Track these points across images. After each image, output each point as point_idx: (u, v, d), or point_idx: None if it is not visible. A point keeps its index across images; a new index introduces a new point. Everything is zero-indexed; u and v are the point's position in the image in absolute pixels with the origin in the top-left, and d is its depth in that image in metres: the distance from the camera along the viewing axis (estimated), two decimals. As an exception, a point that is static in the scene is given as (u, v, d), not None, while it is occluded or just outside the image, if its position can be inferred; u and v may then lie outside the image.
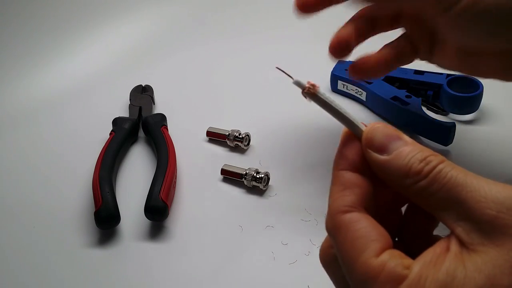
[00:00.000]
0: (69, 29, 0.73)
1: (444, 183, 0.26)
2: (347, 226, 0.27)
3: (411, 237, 0.31)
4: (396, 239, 0.31)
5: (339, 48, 0.43)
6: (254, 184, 0.51)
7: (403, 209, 0.32)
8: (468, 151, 0.54)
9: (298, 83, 0.29)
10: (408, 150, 0.27)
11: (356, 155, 0.29)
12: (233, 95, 0.64)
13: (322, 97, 0.29)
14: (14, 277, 0.45)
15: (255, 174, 0.51)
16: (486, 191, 0.25)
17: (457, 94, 0.54)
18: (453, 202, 0.25)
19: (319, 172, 0.51)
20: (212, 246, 0.47)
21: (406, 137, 0.28)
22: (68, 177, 0.53)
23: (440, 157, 0.27)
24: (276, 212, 0.49)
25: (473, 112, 0.57)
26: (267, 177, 0.51)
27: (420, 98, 0.55)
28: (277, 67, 0.32)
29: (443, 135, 0.53)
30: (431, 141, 0.54)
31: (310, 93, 0.29)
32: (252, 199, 0.51)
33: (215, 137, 0.57)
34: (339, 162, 0.29)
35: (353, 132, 0.30)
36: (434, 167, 0.26)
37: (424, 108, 0.55)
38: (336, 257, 0.28)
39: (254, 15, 0.77)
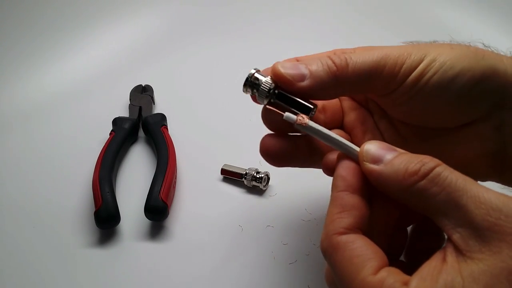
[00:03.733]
0: (69, 29, 0.73)
1: (444, 186, 0.26)
2: (344, 245, 0.27)
3: (418, 255, 0.31)
4: (403, 258, 0.32)
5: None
6: (254, 184, 0.51)
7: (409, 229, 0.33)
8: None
9: (288, 118, 0.32)
10: (403, 157, 0.28)
11: (353, 176, 0.30)
12: (233, 94, 0.64)
13: (312, 126, 0.31)
14: (14, 277, 0.45)
15: (255, 174, 0.51)
16: (485, 197, 0.25)
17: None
18: (453, 207, 0.25)
19: (319, 172, 0.51)
20: (212, 246, 0.47)
21: (400, 150, 0.29)
22: (68, 177, 0.53)
23: (436, 160, 0.27)
24: (276, 212, 0.49)
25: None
26: (267, 177, 0.51)
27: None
28: (268, 106, 0.33)
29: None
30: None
31: (301, 124, 0.31)
32: (252, 199, 0.51)
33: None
34: (338, 184, 0.30)
35: (347, 154, 0.31)
36: (432, 169, 0.26)
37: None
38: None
39: (255, 14, 0.77)
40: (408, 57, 0.33)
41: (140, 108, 0.59)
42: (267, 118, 0.36)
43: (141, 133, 0.58)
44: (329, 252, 0.28)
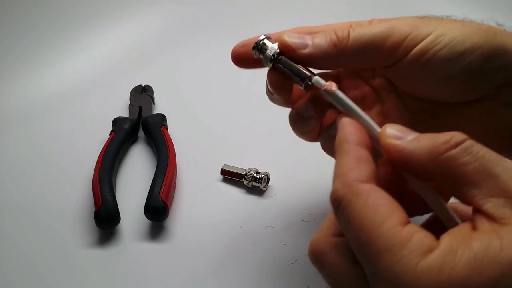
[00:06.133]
0: (69, 29, 0.73)
1: (478, 156, 0.25)
2: (367, 193, 0.25)
3: None
4: None
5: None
6: (254, 184, 0.51)
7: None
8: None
9: (317, 82, 0.33)
10: (429, 134, 0.27)
11: (362, 133, 0.29)
12: (233, 94, 0.64)
13: (338, 95, 0.31)
14: (14, 277, 0.45)
15: (255, 174, 0.51)
16: None
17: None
18: (487, 176, 0.25)
19: (319, 172, 0.51)
20: (212, 246, 0.47)
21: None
22: (68, 177, 0.53)
23: (464, 134, 0.26)
24: (276, 212, 0.49)
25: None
26: (267, 177, 0.51)
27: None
28: (309, 69, 0.34)
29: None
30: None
31: (328, 91, 0.32)
32: (252, 199, 0.51)
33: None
34: (349, 138, 0.29)
35: (368, 129, 0.30)
36: (464, 140, 0.26)
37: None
38: (335, 246, 0.28)
39: (255, 14, 0.77)
40: (414, 29, 0.33)
41: (140, 108, 0.59)
42: (271, 79, 0.36)
43: (141, 133, 0.58)
44: (347, 199, 0.26)
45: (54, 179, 0.53)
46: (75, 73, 0.67)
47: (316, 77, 0.33)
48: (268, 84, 0.37)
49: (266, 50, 0.35)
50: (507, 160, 0.25)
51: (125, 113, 0.59)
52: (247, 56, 0.37)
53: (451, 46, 0.32)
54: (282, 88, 0.36)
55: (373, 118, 0.34)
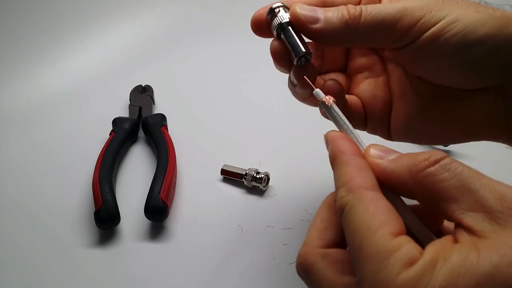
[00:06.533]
0: (69, 29, 0.73)
1: (456, 172, 0.26)
2: (369, 200, 0.26)
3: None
4: None
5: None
6: (254, 184, 0.51)
7: None
8: (468, 151, 0.54)
9: (317, 94, 0.33)
10: (408, 153, 0.28)
11: (355, 144, 0.30)
12: (233, 94, 0.64)
13: (334, 110, 0.32)
14: (14, 277, 0.45)
15: (255, 174, 0.51)
16: (499, 186, 0.25)
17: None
18: (465, 191, 0.25)
19: (319, 173, 0.51)
20: (212, 246, 0.47)
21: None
22: (68, 177, 0.53)
23: (442, 153, 0.27)
24: (276, 212, 0.49)
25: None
26: (267, 177, 0.51)
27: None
28: (304, 76, 0.35)
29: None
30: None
31: (324, 103, 0.32)
32: (252, 199, 0.51)
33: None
34: (345, 149, 0.29)
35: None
36: (442, 157, 0.26)
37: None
38: (322, 257, 0.28)
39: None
40: (427, 12, 0.32)
41: (140, 108, 0.59)
42: (271, 47, 0.36)
43: (141, 133, 0.58)
44: (351, 204, 0.26)
45: (54, 179, 0.53)
46: (75, 73, 0.67)
47: (317, 90, 0.33)
48: (271, 54, 0.36)
49: (276, 16, 0.35)
50: (485, 176, 0.26)
51: (125, 113, 0.59)
52: (263, 23, 0.36)
53: (463, 35, 0.32)
54: (280, 59, 0.36)
55: (379, 87, 0.36)
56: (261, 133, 0.58)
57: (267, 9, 0.36)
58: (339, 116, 0.32)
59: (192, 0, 0.80)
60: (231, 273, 0.44)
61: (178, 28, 0.75)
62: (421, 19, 0.32)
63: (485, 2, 0.35)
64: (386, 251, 0.24)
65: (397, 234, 0.25)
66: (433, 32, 0.32)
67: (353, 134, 0.32)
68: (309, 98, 0.37)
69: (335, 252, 0.28)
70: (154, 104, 0.62)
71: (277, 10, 0.35)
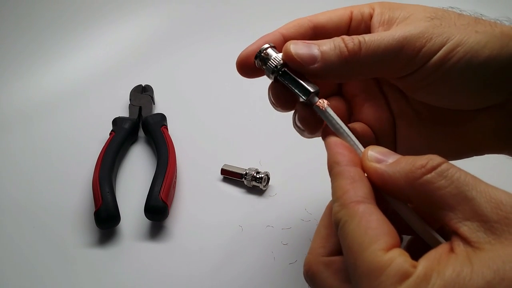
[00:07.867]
0: (69, 29, 0.73)
1: (453, 180, 0.25)
2: (361, 215, 0.26)
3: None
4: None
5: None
6: (254, 184, 0.51)
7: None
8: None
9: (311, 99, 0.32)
10: (408, 156, 0.28)
11: (350, 152, 0.30)
12: (233, 94, 0.64)
13: (329, 113, 0.32)
14: (14, 277, 0.45)
15: (255, 174, 0.51)
16: (495, 193, 0.25)
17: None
18: (461, 200, 0.25)
19: (319, 172, 0.51)
20: (212, 246, 0.47)
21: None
22: (68, 177, 0.53)
23: (442, 158, 0.27)
24: (276, 212, 0.49)
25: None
26: (267, 177, 0.51)
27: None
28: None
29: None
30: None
31: (319, 107, 0.32)
32: (252, 199, 0.51)
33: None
34: (339, 159, 0.29)
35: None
36: (440, 164, 0.26)
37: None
38: (326, 266, 0.28)
39: (255, 14, 0.77)
40: (428, 40, 0.32)
41: (140, 108, 0.59)
42: (273, 93, 0.35)
43: (141, 133, 0.58)
44: (344, 220, 0.27)
45: (54, 179, 0.53)
46: (75, 73, 0.67)
47: (311, 95, 0.32)
48: (270, 96, 0.36)
49: (268, 60, 0.33)
50: (483, 182, 0.25)
51: (125, 113, 0.59)
52: (250, 66, 0.35)
53: (467, 60, 0.31)
54: (284, 101, 0.35)
55: (381, 109, 0.36)
56: (261, 133, 0.58)
57: (252, 51, 0.34)
58: (335, 119, 0.32)
59: (192, 0, 0.80)
60: (231, 273, 0.44)
61: (178, 28, 0.75)
62: (423, 47, 0.32)
63: (481, 15, 0.35)
64: (378, 268, 0.24)
65: (388, 249, 0.25)
66: (436, 60, 0.32)
67: (350, 138, 0.31)
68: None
69: (339, 260, 0.29)
70: (154, 104, 0.62)
71: (264, 53, 0.33)
